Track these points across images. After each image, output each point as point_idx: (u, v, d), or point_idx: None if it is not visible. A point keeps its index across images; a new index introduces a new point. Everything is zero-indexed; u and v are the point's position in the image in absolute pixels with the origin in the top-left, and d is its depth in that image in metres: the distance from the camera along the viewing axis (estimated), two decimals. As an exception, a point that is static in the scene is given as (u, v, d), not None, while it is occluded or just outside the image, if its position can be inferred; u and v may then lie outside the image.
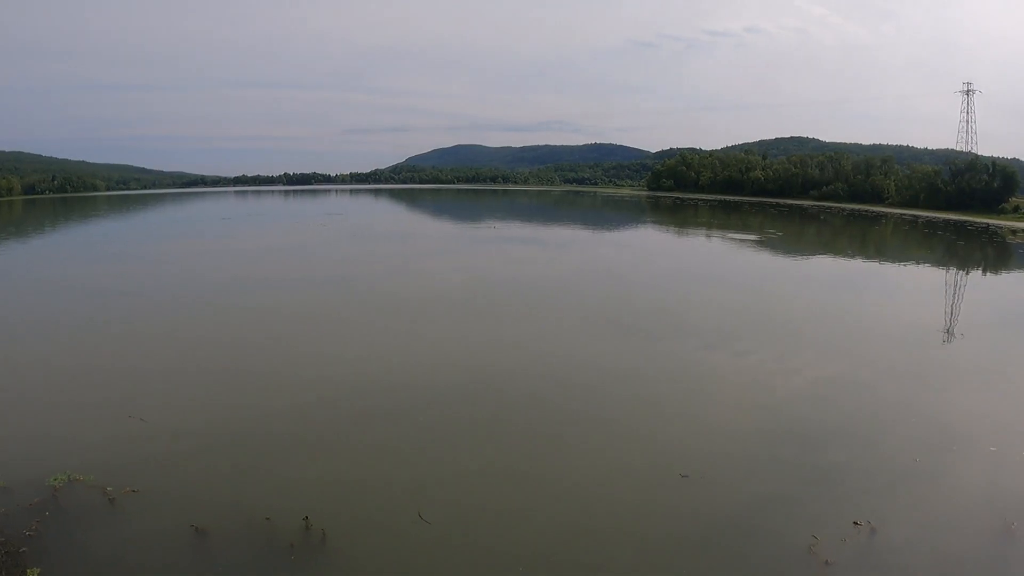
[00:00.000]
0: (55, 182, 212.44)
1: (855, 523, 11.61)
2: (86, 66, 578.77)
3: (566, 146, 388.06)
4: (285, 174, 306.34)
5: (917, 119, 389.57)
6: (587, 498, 12.73)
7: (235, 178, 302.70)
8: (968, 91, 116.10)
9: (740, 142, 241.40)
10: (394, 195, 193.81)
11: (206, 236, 71.32)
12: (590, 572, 10.52)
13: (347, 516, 11.91)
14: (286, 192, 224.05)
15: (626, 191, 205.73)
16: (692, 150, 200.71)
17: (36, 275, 42.31)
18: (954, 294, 35.91)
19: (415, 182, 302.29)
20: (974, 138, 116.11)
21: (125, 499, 12.39)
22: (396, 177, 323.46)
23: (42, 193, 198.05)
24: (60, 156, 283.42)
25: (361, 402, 17.77)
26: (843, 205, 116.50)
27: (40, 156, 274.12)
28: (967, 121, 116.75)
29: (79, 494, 12.59)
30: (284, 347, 23.48)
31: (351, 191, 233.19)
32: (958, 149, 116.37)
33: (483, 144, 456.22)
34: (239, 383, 19.51)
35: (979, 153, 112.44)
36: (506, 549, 11.02)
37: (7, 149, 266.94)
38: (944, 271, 45.84)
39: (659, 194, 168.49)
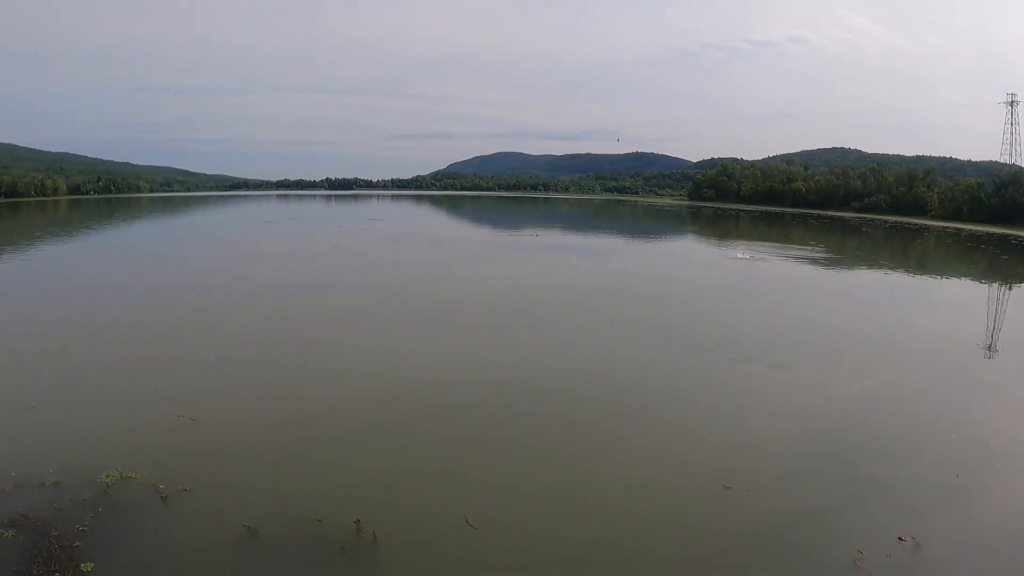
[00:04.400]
0: (100, 183, 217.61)
1: (899, 539, 11.41)
2: (132, 70, 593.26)
3: (607, 155, 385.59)
4: (327, 179, 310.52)
5: (961, 130, 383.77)
6: (628, 509, 12.59)
7: (277, 182, 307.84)
8: (1012, 102, 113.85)
9: (782, 152, 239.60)
10: (435, 201, 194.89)
11: (251, 238, 72.56)
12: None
13: (397, 520, 11.92)
14: (328, 197, 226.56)
15: (666, 200, 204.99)
16: (733, 160, 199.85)
17: (88, 272, 43.40)
18: (996, 309, 35.20)
19: (456, 189, 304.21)
20: (1019, 150, 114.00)
21: (177, 497, 12.52)
22: (437, 183, 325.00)
23: (87, 194, 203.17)
24: (105, 158, 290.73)
25: (409, 404, 17.89)
26: (885, 217, 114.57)
27: (85, 157, 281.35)
28: (1011, 133, 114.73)
29: (131, 491, 12.72)
30: (333, 349, 23.79)
31: (392, 197, 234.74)
32: (1002, 161, 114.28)
33: (524, 152, 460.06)
34: (290, 383, 19.71)
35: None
36: (553, 557, 11.05)
37: (53, 150, 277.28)
38: (987, 286, 44.98)
39: (700, 204, 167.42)
